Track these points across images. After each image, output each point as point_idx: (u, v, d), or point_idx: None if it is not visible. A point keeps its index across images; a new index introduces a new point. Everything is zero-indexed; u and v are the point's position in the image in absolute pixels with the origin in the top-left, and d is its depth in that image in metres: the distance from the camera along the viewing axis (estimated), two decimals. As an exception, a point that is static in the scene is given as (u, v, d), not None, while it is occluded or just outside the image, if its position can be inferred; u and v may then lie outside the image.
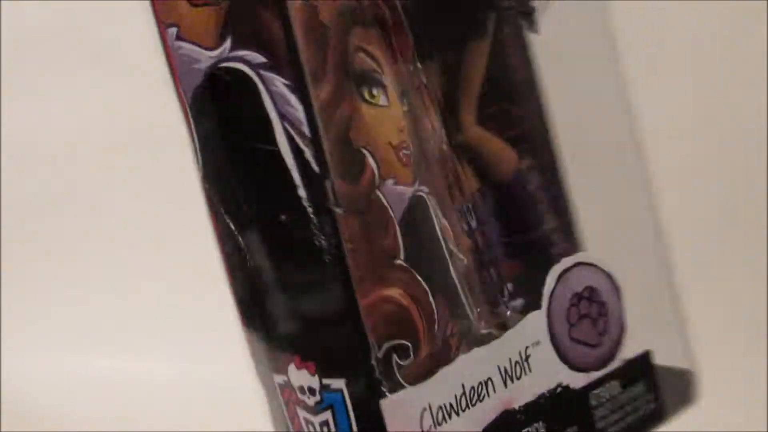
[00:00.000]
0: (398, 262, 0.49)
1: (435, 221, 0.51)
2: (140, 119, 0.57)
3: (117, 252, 0.58)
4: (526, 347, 0.52)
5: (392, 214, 0.49)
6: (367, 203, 0.48)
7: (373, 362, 0.47)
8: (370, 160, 0.48)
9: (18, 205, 0.56)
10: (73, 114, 0.58)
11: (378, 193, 0.48)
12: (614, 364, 0.56)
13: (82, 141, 0.58)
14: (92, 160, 0.59)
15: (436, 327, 0.50)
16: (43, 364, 0.56)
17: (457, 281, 0.52)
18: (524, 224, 0.58)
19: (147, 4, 0.36)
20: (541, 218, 0.59)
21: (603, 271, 0.56)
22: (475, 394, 0.50)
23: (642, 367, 0.57)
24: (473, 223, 0.55)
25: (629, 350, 0.56)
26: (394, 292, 0.48)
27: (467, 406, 0.50)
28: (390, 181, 0.49)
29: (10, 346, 0.55)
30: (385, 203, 0.49)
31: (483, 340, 0.52)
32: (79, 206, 0.58)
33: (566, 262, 0.55)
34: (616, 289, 0.56)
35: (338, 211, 0.46)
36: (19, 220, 0.56)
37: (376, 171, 0.48)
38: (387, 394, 0.47)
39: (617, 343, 0.56)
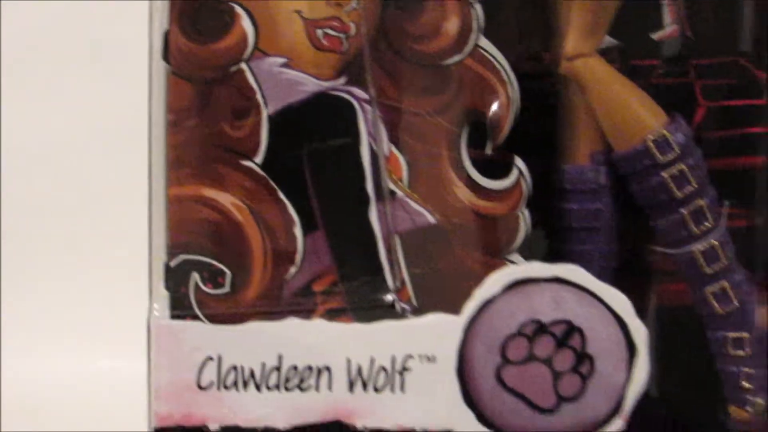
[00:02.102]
0: (247, 163, 0.36)
1: (363, 140, 0.37)
2: (141, 119, 0.58)
3: (118, 252, 0.57)
4: (407, 356, 0.35)
5: (261, 99, 0.36)
6: (216, 72, 0.36)
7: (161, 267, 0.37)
8: (244, 21, 0.36)
9: (18, 205, 0.59)
10: (73, 114, 0.59)
11: (243, 66, 0.36)
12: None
13: (82, 141, 0.59)
14: (92, 160, 0.59)
15: (293, 268, 0.37)
16: (43, 364, 0.57)
17: (377, 231, 0.37)
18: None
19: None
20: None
21: (611, 311, 0.34)
22: (296, 377, 0.36)
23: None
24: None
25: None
26: (224, 198, 0.36)
27: (277, 386, 0.36)
28: (277, 59, 0.36)
29: (10, 346, 0.58)
30: (252, 82, 0.36)
31: (363, 317, 0.36)
32: (80, 206, 0.59)
33: (536, 269, 0.35)
34: (627, 346, 0.34)
35: (167, 65, 0.36)
36: (19, 220, 0.59)
37: (250, 37, 0.36)
38: (164, 316, 0.36)
39: (594, 424, 0.35)
